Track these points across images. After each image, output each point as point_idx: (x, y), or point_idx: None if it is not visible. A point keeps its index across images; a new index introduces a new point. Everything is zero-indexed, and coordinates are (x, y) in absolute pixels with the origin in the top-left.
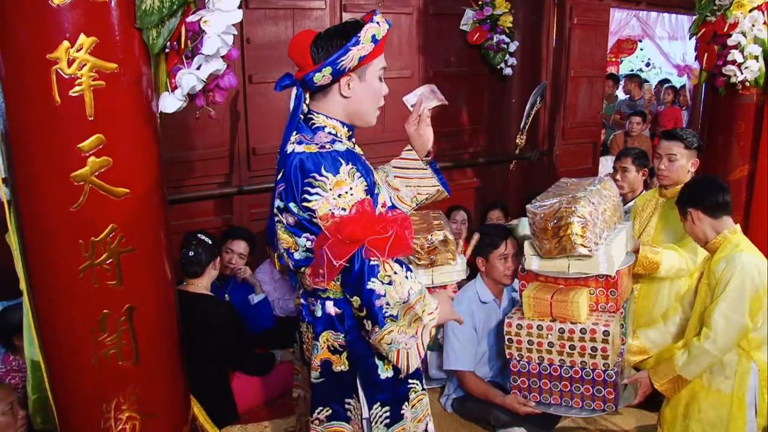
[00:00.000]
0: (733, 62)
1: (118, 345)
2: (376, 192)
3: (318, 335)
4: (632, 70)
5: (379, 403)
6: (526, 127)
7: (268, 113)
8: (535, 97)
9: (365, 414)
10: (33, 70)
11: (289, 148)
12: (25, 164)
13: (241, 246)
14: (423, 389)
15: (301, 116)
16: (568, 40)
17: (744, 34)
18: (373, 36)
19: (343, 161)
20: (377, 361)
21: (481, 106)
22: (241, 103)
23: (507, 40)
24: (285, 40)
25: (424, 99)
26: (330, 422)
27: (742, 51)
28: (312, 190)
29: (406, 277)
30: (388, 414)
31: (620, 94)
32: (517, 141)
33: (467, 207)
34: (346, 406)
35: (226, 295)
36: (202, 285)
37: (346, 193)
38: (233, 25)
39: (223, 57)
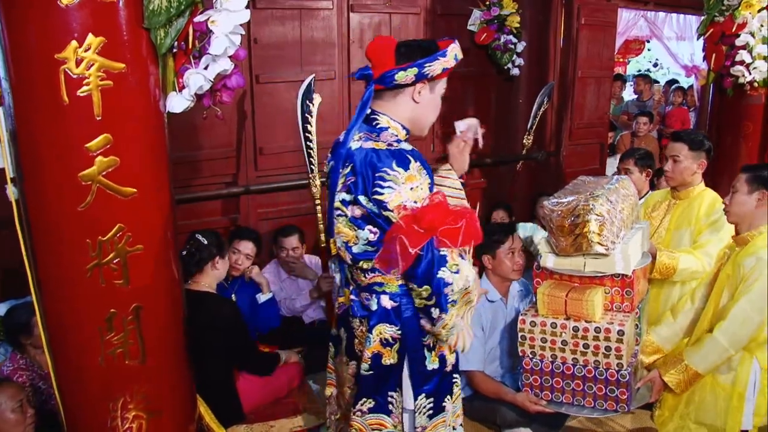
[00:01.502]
0: (741, 63)
1: (125, 344)
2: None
3: (372, 328)
4: (640, 71)
5: (424, 395)
6: (533, 127)
7: (276, 113)
8: (542, 98)
9: (408, 406)
10: (41, 70)
11: (355, 145)
12: (33, 164)
13: (248, 246)
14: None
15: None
16: (575, 40)
17: (752, 34)
18: (455, 56)
19: (411, 158)
20: (426, 353)
21: (488, 107)
22: (248, 103)
23: (514, 40)
24: (292, 41)
25: (471, 129)
26: (371, 414)
27: (750, 51)
28: (384, 184)
29: (466, 266)
30: (431, 405)
31: (626, 95)
32: (524, 141)
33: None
34: (389, 399)
35: (233, 295)
36: (205, 284)
37: (417, 187)
38: (241, 25)
39: (230, 57)
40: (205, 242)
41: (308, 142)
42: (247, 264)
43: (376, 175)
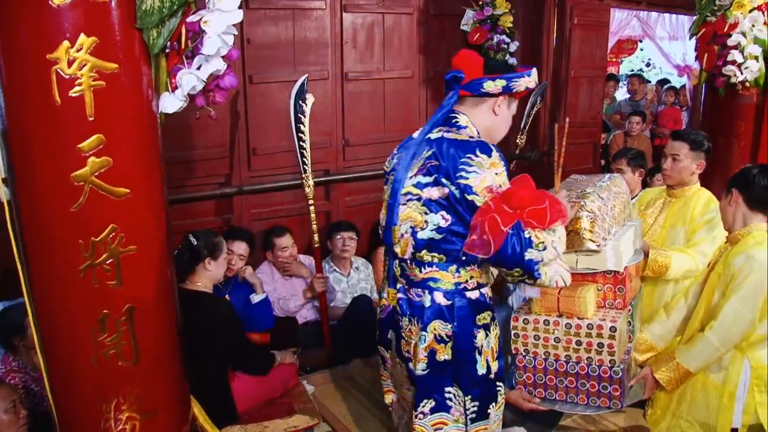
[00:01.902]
0: (733, 62)
1: (118, 345)
2: None
3: (426, 325)
4: (632, 70)
5: (470, 397)
6: (526, 127)
7: (269, 113)
8: (535, 97)
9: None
10: (33, 71)
11: (435, 135)
12: (25, 164)
13: (241, 247)
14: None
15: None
16: (568, 40)
17: (744, 34)
18: (535, 80)
19: (492, 148)
20: (477, 356)
21: None
22: (241, 103)
23: (507, 40)
24: (285, 41)
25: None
26: (432, 414)
27: (742, 51)
28: (469, 169)
29: (550, 235)
30: (475, 410)
31: (618, 95)
32: (517, 141)
33: None
34: (446, 395)
35: (227, 295)
36: (201, 284)
37: (501, 173)
38: (233, 25)
39: (223, 57)
40: (195, 243)
41: (301, 143)
42: (241, 264)
43: (461, 161)
